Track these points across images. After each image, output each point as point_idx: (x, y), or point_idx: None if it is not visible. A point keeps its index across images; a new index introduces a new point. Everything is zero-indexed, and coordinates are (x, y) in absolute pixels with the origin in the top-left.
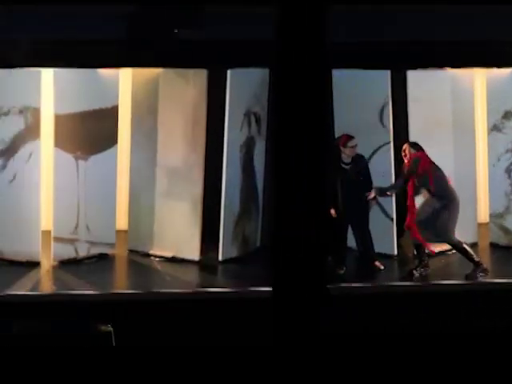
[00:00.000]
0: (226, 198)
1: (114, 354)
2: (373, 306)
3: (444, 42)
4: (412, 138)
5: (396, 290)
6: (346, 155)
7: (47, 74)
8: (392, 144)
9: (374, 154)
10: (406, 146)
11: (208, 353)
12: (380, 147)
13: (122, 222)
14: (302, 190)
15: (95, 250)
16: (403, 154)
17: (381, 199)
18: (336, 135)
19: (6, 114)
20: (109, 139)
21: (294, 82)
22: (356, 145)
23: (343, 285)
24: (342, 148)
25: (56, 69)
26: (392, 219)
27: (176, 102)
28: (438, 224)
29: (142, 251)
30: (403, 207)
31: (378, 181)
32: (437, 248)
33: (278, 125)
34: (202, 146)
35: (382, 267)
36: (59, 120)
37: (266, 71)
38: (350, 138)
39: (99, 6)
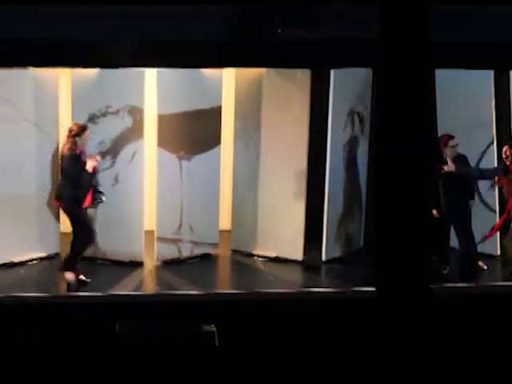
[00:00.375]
0: (329, 197)
1: (217, 355)
2: (476, 306)
3: None
4: None
5: (499, 290)
6: (447, 155)
7: (151, 74)
8: (495, 145)
9: (483, 155)
10: (506, 147)
11: (311, 353)
12: (487, 148)
13: (225, 222)
14: (405, 190)
15: (198, 250)
16: (504, 155)
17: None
18: (438, 135)
19: (110, 113)
20: (212, 139)
21: (397, 81)
22: (457, 144)
23: (446, 285)
24: (442, 148)
25: (159, 69)
26: (495, 213)
27: (279, 102)
28: None
29: (245, 251)
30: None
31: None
32: None
33: (381, 124)
34: (306, 146)
35: (486, 267)
36: (162, 120)
37: (369, 71)
38: (450, 137)
39: (202, 6)
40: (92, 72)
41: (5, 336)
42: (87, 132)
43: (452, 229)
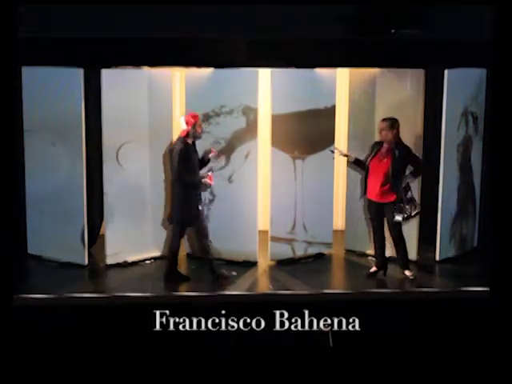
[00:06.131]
0: (442, 197)
1: (330, 355)
2: None
3: None
4: None
5: None
6: None
7: (265, 74)
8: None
9: None
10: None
11: (422, 353)
12: None
13: (339, 221)
14: None
15: (312, 250)
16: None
17: None
18: None
19: (225, 113)
20: (326, 139)
21: (511, 82)
22: None
23: None
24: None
25: (273, 69)
26: None
27: (393, 102)
28: None
29: (359, 251)
30: None
31: None
32: None
33: (495, 125)
34: (419, 146)
35: None
36: (276, 120)
37: (483, 71)
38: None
39: (316, 6)
40: (206, 72)
41: None
42: None
43: None
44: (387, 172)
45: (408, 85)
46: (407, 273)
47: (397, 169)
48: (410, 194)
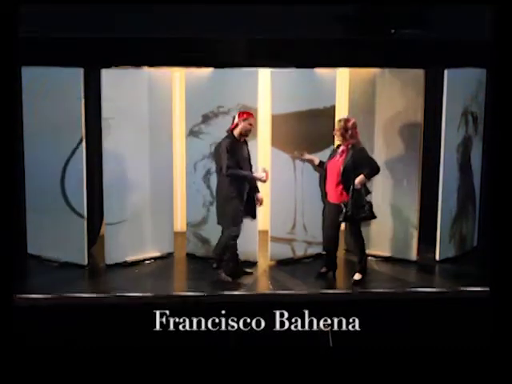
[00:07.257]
0: (443, 197)
1: (330, 355)
2: None
3: None
4: None
5: None
6: None
7: (264, 74)
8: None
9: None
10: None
11: (422, 353)
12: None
13: None
14: None
15: (312, 250)
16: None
17: None
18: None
19: (224, 113)
20: (326, 139)
21: (511, 82)
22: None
23: None
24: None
25: (273, 69)
26: None
27: (393, 102)
28: None
29: None
30: None
31: None
32: None
33: (495, 125)
34: (419, 146)
35: None
36: (276, 120)
37: (483, 71)
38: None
39: (316, 6)
40: (206, 72)
41: None
42: None
43: None
44: (339, 173)
45: (408, 85)
46: (356, 276)
47: (346, 170)
48: (360, 196)
